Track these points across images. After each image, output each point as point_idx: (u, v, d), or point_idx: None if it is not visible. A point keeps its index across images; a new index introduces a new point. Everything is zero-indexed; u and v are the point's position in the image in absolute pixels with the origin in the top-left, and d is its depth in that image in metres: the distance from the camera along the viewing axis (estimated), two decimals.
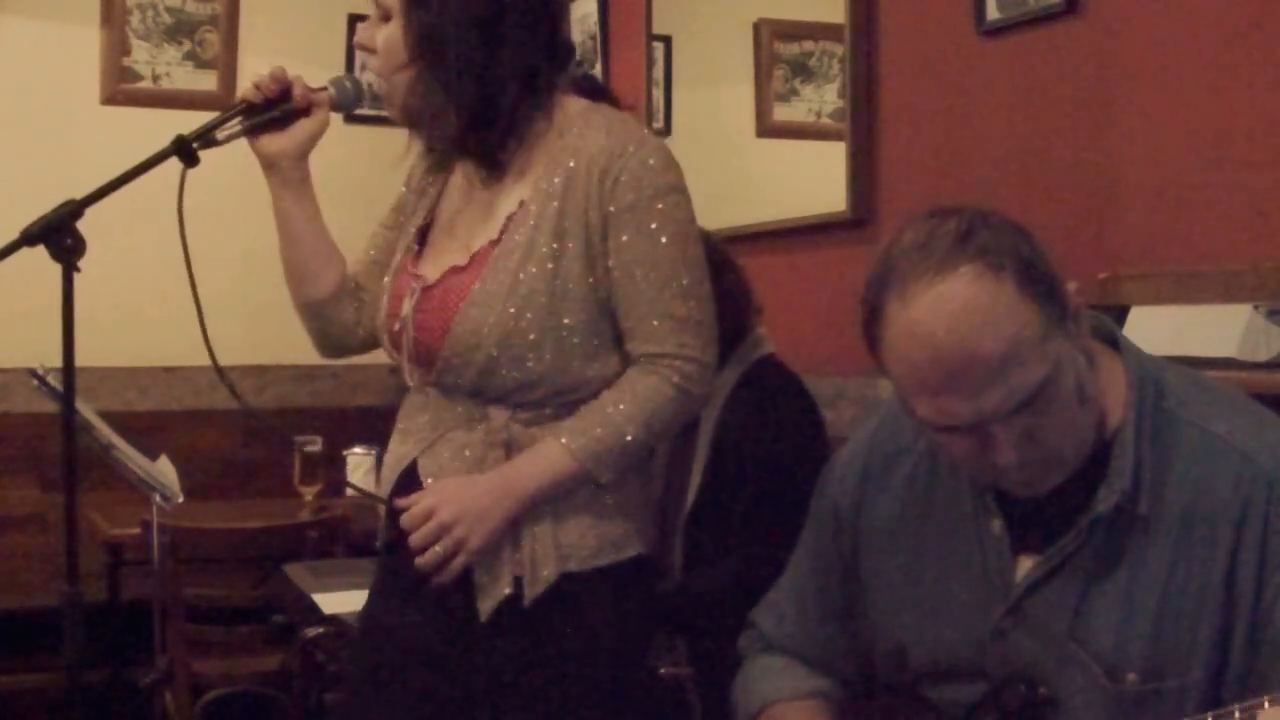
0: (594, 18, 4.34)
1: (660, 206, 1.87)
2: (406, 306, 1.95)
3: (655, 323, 1.87)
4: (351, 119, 4.84)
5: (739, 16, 3.66)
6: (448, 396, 1.93)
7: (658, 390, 1.87)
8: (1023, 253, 1.41)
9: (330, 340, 2.12)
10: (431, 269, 1.96)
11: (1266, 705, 1.28)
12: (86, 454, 3.46)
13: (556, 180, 1.89)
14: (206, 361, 1.93)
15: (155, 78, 4.87)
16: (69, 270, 1.77)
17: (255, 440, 4.90)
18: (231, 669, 3.64)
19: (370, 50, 1.98)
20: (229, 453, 4.91)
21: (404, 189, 2.12)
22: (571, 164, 1.89)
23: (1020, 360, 1.38)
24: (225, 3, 4.92)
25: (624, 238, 1.86)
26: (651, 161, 1.88)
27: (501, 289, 1.87)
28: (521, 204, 1.91)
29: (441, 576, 1.87)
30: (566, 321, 1.86)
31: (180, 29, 4.88)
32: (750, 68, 3.61)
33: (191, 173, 1.92)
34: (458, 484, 1.88)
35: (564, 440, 1.86)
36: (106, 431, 3.56)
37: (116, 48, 4.81)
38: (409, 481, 1.94)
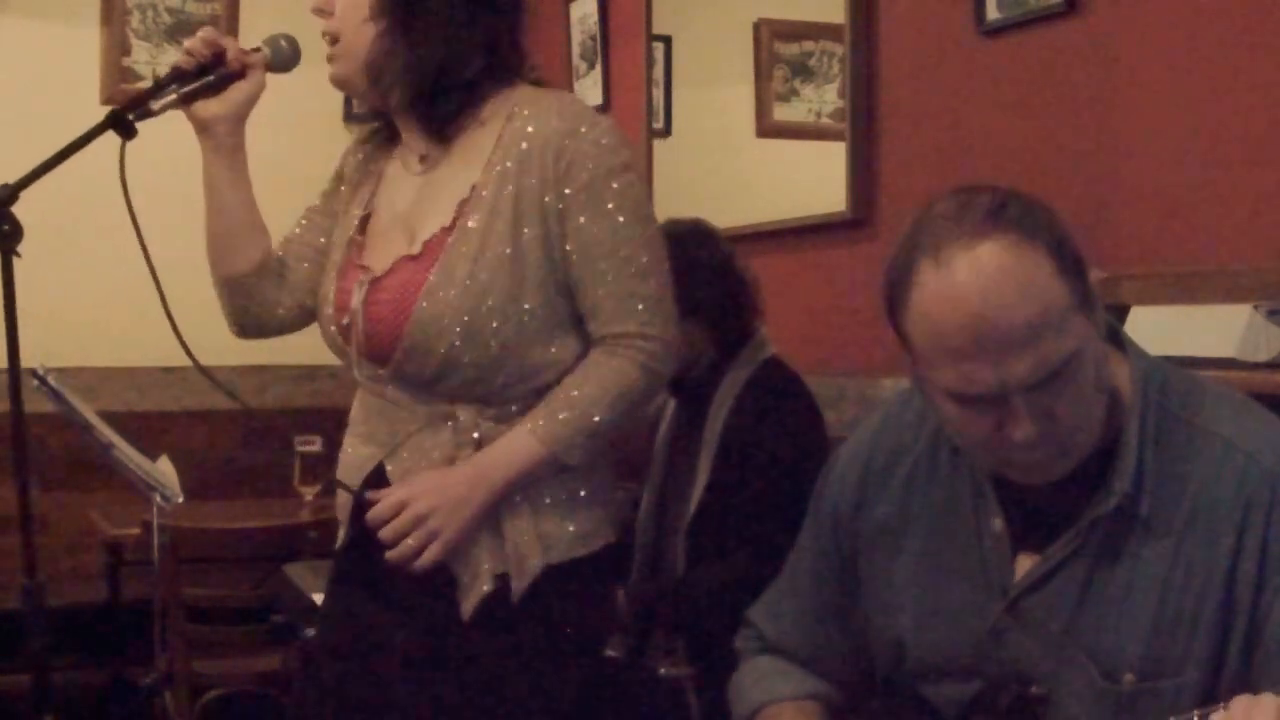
0: (594, 18, 4.34)
1: (615, 185, 1.87)
2: (356, 299, 1.92)
3: (617, 303, 1.86)
4: (349, 119, 4.86)
5: (739, 16, 3.66)
6: (408, 395, 1.90)
7: (623, 372, 1.87)
8: (1056, 231, 1.42)
9: (249, 319, 2.05)
10: (378, 260, 1.93)
11: (1221, 709, 1.29)
12: (86, 454, 3.46)
13: (509, 164, 1.87)
14: (206, 362, 1.92)
15: (155, 78, 4.86)
16: (7, 257, 1.74)
17: (255, 440, 4.90)
18: (231, 669, 3.64)
19: (328, 13, 1.96)
20: (229, 453, 4.91)
21: (335, 179, 2.09)
22: (524, 146, 1.87)
23: (1050, 331, 1.38)
24: (225, 3, 4.92)
25: (581, 219, 1.85)
26: (604, 141, 1.88)
27: (460, 277, 1.84)
28: (473, 189, 1.88)
29: (414, 569, 1.84)
30: (527, 306, 1.85)
31: (180, 29, 4.88)
32: (750, 68, 3.61)
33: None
34: (432, 476, 1.86)
35: (530, 427, 1.85)
36: (106, 431, 3.55)
37: (116, 48, 4.81)
38: (377, 484, 1.91)
